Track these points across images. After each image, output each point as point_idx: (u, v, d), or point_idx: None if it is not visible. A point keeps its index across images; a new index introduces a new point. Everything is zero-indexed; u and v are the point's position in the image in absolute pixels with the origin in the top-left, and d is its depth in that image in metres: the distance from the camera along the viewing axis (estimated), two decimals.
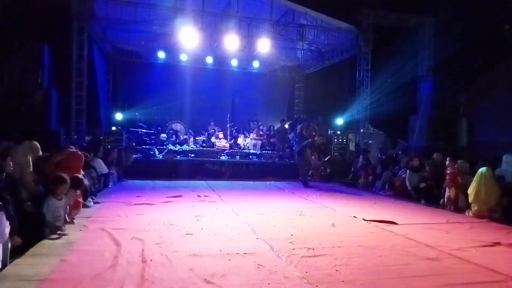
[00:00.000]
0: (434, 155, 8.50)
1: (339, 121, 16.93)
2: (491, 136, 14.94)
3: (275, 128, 15.30)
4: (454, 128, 10.97)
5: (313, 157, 10.79)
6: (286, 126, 14.89)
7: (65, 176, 4.98)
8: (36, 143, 6.08)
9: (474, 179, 6.71)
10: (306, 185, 10.60)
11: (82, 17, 13.04)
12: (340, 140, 14.16)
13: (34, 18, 14.09)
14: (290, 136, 14.62)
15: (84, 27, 13.16)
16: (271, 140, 14.68)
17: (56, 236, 4.49)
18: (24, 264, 3.57)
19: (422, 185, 8.39)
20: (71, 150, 6.65)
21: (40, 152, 6.09)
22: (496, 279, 3.61)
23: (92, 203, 6.62)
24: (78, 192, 5.63)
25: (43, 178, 5.23)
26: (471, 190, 6.76)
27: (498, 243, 4.89)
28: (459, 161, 7.57)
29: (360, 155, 12.00)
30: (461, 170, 7.46)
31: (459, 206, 7.29)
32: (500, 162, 7.54)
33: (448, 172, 7.53)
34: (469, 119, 11.47)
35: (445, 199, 7.58)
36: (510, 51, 14.43)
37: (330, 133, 14.81)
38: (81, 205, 5.94)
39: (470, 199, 6.79)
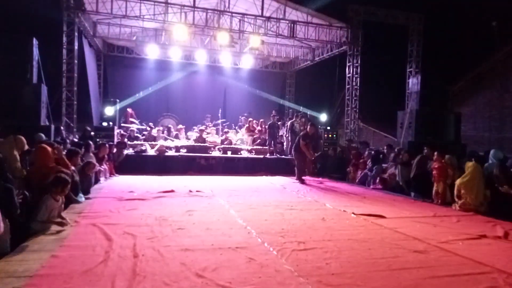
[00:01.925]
0: (425, 150, 8.60)
1: (329, 116, 17.05)
2: (479, 131, 15.19)
3: (266, 123, 15.32)
4: (442, 123, 11.08)
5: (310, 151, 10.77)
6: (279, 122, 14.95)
7: (67, 176, 4.96)
8: (21, 137, 5.99)
9: (466, 173, 6.81)
10: (302, 181, 10.65)
11: (72, 11, 12.93)
12: (330, 136, 14.22)
13: (23, 12, 13.94)
14: (281, 131, 14.66)
15: (74, 21, 13.06)
16: (262, 136, 14.71)
17: (47, 231, 4.47)
18: (13, 260, 3.54)
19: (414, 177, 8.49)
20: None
21: (26, 147, 6.03)
22: (482, 270, 3.68)
23: (83, 198, 6.59)
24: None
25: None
26: (459, 184, 6.86)
27: (484, 236, 4.99)
28: (446, 156, 7.67)
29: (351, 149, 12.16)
30: (449, 165, 7.57)
31: (446, 200, 7.42)
32: (486, 156, 7.67)
33: (436, 166, 7.64)
34: (456, 115, 11.61)
35: (433, 193, 7.70)
36: (497, 47, 14.63)
37: (321, 129, 14.88)
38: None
39: (458, 193, 6.89)
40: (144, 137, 14.21)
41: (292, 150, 11.43)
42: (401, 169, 8.94)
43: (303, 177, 10.88)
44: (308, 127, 11.00)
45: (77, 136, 12.69)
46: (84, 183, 7.19)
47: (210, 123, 16.89)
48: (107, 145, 9.89)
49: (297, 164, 11.05)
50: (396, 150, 10.48)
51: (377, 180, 9.92)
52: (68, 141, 10.09)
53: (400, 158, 9.26)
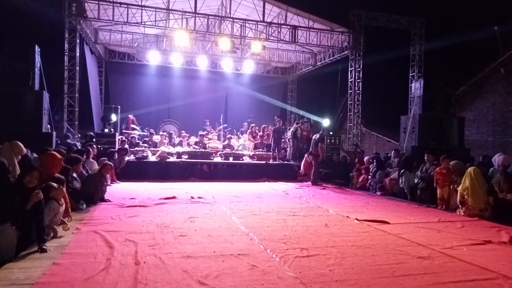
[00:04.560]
0: (426, 156, 8.56)
1: (331, 121, 17.02)
2: (482, 136, 15.13)
3: (268, 129, 15.28)
4: (445, 128, 11.04)
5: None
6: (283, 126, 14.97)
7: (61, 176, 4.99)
8: (18, 142, 5.97)
9: (467, 178, 6.75)
10: (316, 183, 11.32)
11: (73, 18, 12.99)
12: (332, 141, 14.17)
13: (25, 19, 14.02)
14: (284, 136, 14.62)
15: (76, 28, 13.12)
16: (264, 141, 14.68)
17: (48, 239, 4.45)
18: (15, 268, 3.53)
19: (421, 185, 8.43)
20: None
21: (25, 151, 6.01)
22: (487, 276, 3.65)
23: (84, 205, 6.57)
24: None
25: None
26: (463, 189, 6.81)
27: (489, 241, 4.95)
28: (452, 161, 7.62)
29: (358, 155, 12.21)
30: (454, 170, 7.51)
31: (451, 205, 7.36)
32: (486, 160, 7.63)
33: (443, 172, 7.57)
34: (460, 119, 11.57)
35: (438, 198, 7.64)
36: (499, 51, 14.61)
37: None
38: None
39: (462, 198, 6.84)
40: (145, 143, 14.18)
41: (308, 154, 11.82)
42: (407, 175, 8.86)
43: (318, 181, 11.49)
44: (322, 131, 12.00)
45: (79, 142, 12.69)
46: (102, 187, 7.35)
47: (212, 129, 16.87)
48: (108, 151, 9.88)
49: (315, 167, 11.52)
50: (402, 155, 10.42)
51: (379, 186, 9.87)
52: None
53: (407, 163, 9.15)
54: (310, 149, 11.86)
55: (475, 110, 15.56)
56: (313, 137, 11.96)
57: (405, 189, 8.92)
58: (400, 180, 9.06)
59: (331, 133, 14.94)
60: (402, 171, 9.07)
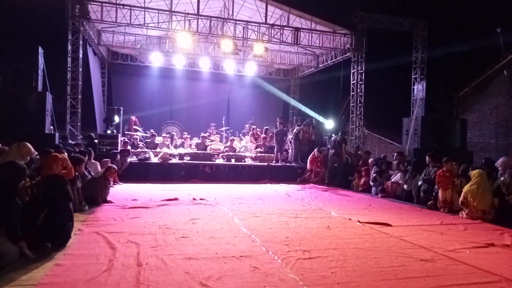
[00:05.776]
0: (427, 158, 8.53)
1: (334, 123, 17.02)
2: (485, 138, 15.09)
3: (272, 131, 15.27)
4: (448, 130, 11.02)
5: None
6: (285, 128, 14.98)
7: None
8: (26, 143, 5.95)
9: (472, 180, 6.74)
10: (330, 184, 11.70)
11: (77, 20, 13.05)
12: None
13: (28, 21, 14.08)
14: (287, 138, 14.62)
15: (79, 30, 13.17)
16: (266, 143, 14.67)
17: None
18: (18, 269, 3.52)
19: (424, 187, 8.39)
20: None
21: (33, 152, 6.00)
22: (490, 280, 3.63)
23: (87, 206, 6.58)
24: None
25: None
26: (466, 192, 6.79)
27: (492, 244, 4.93)
28: (452, 163, 7.61)
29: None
30: (455, 172, 7.50)
31: (453, 207, 7.33)
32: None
33: (446, 174, 7.54)
34: (462, 121, 11.55)
35: (440, 201, 7.61)
36: (502, 53, 14.59)
37: (326, 135, 14.84)
38: None
39: (465, 200, 6.81)
40: (145, 145, 14.19)
41: (331, 155, 12.04)
42: (417, 178, 8.80)
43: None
44: (341, 133, 12.51)
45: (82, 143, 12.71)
46: (105, 190, 7.37)
47: (214, 130, 16.89)
48: (110, 152, 9.88)
49: (331, 168, 11.94)
50: (405, 157, 10.37)
51: (380, 188, 9.84)
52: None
53: (414, 166, 9.11)
54: (331, 150, 12.01)
55: (477, 112, 15.54)
56: (333, 138, 12.26)
57: (413, 192, 8.85)
58: (409, 183, 8.97)
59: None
60: (413, 173, 8.97)
